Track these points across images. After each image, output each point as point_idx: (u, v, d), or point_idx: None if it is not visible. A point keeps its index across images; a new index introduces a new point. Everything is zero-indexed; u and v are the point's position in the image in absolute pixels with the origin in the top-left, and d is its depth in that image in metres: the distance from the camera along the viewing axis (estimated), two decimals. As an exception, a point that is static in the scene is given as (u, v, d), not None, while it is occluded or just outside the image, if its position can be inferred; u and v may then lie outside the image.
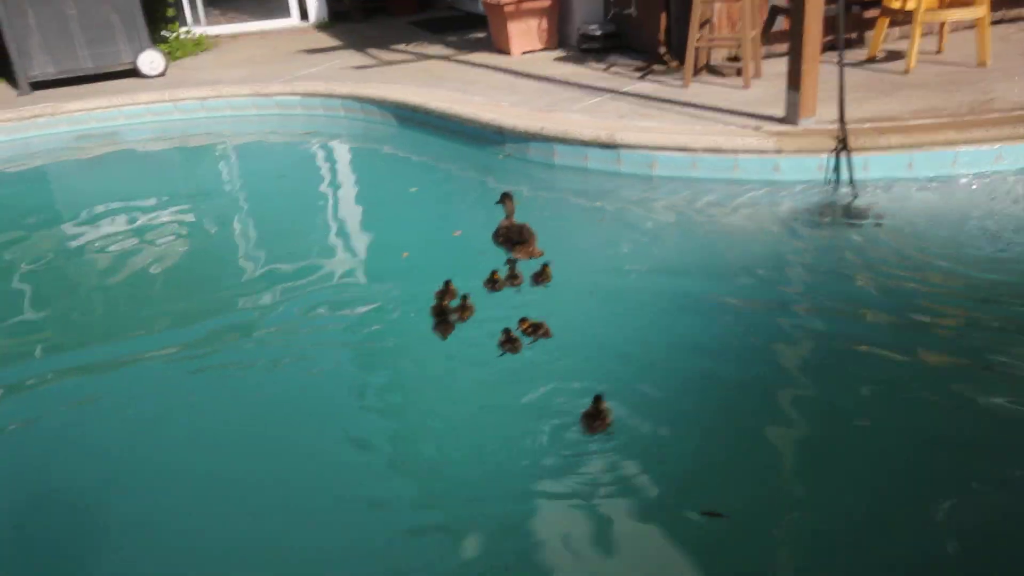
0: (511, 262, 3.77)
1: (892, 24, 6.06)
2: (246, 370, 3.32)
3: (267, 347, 3.46)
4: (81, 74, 7.48)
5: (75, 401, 3.21)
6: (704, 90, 5.69)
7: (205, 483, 2.74)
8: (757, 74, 5.84)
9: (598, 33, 7.03)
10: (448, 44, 8.17)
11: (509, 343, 3.20)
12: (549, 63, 6.95)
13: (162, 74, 7.66)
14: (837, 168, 4.39)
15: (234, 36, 9.81)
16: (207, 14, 9.98)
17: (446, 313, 3.43)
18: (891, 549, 2.26)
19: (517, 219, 4.07)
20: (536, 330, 3.25)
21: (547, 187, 4.97)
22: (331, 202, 5.23)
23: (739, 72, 5.82)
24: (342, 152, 6.43)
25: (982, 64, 5.57)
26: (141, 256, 4.50)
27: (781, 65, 5.55)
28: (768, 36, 6.18)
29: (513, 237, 3.96)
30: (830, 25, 4.86)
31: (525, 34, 7.33)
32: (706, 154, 4.61)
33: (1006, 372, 2.91)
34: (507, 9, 7.16)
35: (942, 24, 5.94)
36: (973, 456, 2.58)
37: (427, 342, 3.34)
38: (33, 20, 7.18)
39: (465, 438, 2.81)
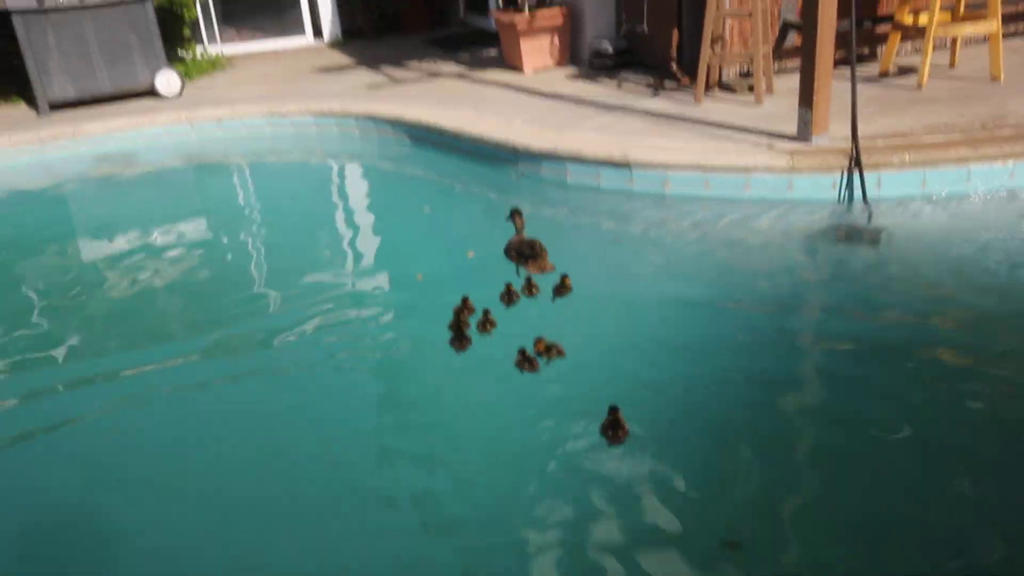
0: (528, 278, 3.84)
1: (904, 39, 6.07)
2: (260, 388, 3.37)
3: (282, 365, 3.50)
4: (99, 95, 7.59)
5: (90, 415, 3.27)
6: (716, 106, 5.72)
7: (216, 498, 2.78)
8: (769, 90, 5.85)
9: (610, 50, 7.07)
10: (460, 62, 8.24)
11: (527, 363, 3.22)
12: (561, 80, 6.99)
13: (179, 94, 7.75)
14: (850, 186, 4.40)
15: (249, 55, 9.92)
16: (222, 33, 10.10)
17: (463, 328, 3.48)
18: (906, 564, 2.26)
19: (527, 235, 4.13)
20: (549, 351, 3.28)
21: (560, 206, 5.00)
22: (346, 221, 5.28)
23: (751, 88, 5.84)
24: (356, 171, 6.49)
25: (995, 78, 5.57)
26: (158, 274, 4.56)
27: (793, 81, 5.56)
28: (780, 52, 6.21)
29: (525, 252, 4.04)
30: (842, 40, 4.87)
31: (537, 52, 7.38)
32: (719, 173, 4.62)
33: None
34: (519, 27, 7.22)
35: (954, 39, 5.95)
36: (991, 474, 2.58)
37: (443, 360, 3.37)
38: (53, 42, 7.29)
39: (480, 455, 2.84)
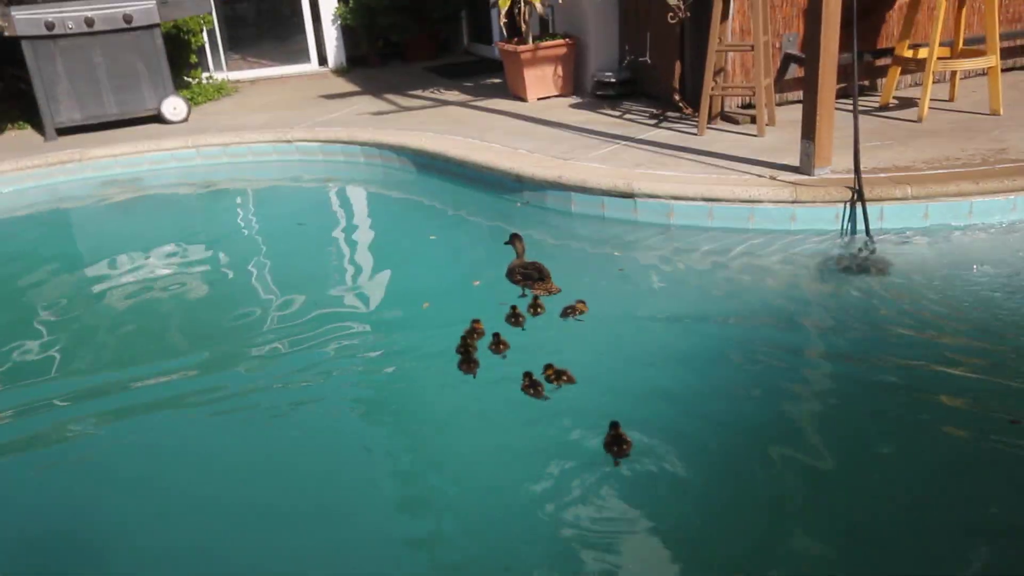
0: (535, 297, 3.95)
1: (904, 72, 6.15)
2: (266, 411, 3.40)
3: (286, 393, 3.53)
4: (106, 120, 7.65)
5: (93, 435, 3.32)
6: (719, 137, 5.78)
7: (215, 519, 2.81)
8: (771, 122, 5.92)
9: (613, 80, 7.15)
10: (464, 90, 8.32)
11: (532, 388, 3.26)
12: (565, 109, 7.06)
13: (185, 119, 7.82)
14: (853, 218, 4.44)
15: (254, 81, 10.02)
16: (228, 59, 10.20)
17: (470, 351, 3.52)
18: None
19: (527, 259, 4.26)
20: (559, 376, 3.32)
21: (565, 235, 5.04)
22: (352, 249, 5.32)
23: (753, 119, 5.91)
24: (362, 199, 6.54)
25: (995, 112, 5.64)
26: (163, 299, 4.60)
27: (794, 112, 5.63)
28: (781, 84, 6.28)
29: (532, 275, 4.13)
30: (843, 73, 4.94)
31: (541, 81, 7.47)
32: (722, 204, 4.67)
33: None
34: (523, 56, 7.30)
35: (954, 73, 6.03)
36: (989, 506, 2.59)
37: (448, 385, 3.42)
38: (62, 68, 7.37)
39: (485, 481, 2.88)
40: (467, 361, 3.48)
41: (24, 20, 7.08)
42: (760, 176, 4.83)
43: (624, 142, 5.85)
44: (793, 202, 4.55)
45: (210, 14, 9.16)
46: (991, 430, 2.93)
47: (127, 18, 7.42)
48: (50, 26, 7.18)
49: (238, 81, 9.93)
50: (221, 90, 9.22)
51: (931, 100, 5.73)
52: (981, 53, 5.66)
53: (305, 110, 7.98)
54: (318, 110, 7.93)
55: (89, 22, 7.29)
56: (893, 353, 3.48)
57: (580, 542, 2.55)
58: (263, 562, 2.63)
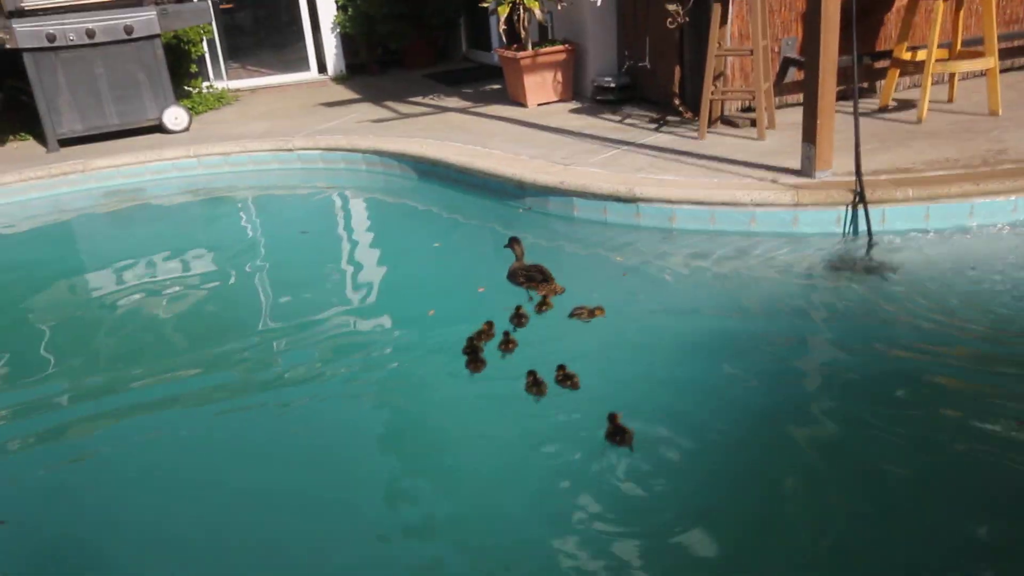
0: (544, 296, 4.07)
1: (902, 74, 6.18)
2: (270, 420, 3.42)
3: (292, 399, 3.56)
4: (107, 131, 7.68)
5: (96, 446, 3.36)
6: (719, 141, 5.80)
7: (223, 531, 2.82)
8: (771, 125, 5.94)
9: (612, 85, 7.17)
10: (464, 96, 8.35)
11: (535, 386, 3.32)
12: (565, 115, 7.09)
13: (186, 129, 7.84)
14: (855, 220, 4.46)
15: (254, 90, 10.05)
16: (228, 68, 10.23)
17: (477, 351, 3.59)
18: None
19: (527, 261, 4.36)
20: (567, 380, 3.36)
21: (568, 240, 5.06)
22: (355, 257, 5.34)
23: (753, 123, 5.93)
24: (364, 206, 6.56)
25: (993, 113, 5.66)
26: (167, 309, 4.62)
27: (794, 115, 5.67)
28: (780, 87, 6.30)
29: (536, 276, 4.21)
30: (842, 75, 4.96)
31: (541, 86, 7.49)
32: (724, 208, 4.69)
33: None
34: (523, 62, 7.33)
35: (952, 74, 6.05)
36: (997, 508, 2.60)
37: (454, 387, 3.47)
38: (63, 79, 7.40)
39: (486, 481, 2.92)
40: (474, 360, 3.55)
41: (26, 32, 7.11)
42: (761, 180, 4.85)
43: (625, 147, 5.87)
44: (795, 205, 4.57)
45: (210, 24, 9.20)
46: (998, 432, 2.94)
47: (128, 29, 7.45)
48: (51, 38, 7.21)
49: (238, 90, 9.96)
50: (221, 99, 9.25)
51: (930, 101, 5.76)
52: (979, 54, 5.69)
53: (305, 118, 8.01)
54: (318, 118, 7.95)
55: (90, 33, 7.32)
56: (898, 355, 3.49)
57: (581, 542, 2.57)
58: (264, 560, 2.66)
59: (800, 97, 5.36)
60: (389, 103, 8.31)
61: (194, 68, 9.25)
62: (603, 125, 6.58)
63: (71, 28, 7.27)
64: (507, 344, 3.65)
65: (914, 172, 4.72)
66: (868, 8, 6.17)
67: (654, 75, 6.88)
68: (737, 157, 5.33)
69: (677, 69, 6.51)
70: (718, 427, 3.09)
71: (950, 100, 6.12)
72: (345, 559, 2.64)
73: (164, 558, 2.71)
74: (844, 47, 4.59)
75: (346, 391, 3.58)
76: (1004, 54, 6.30)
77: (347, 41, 10.37)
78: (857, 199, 4.43)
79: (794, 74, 6.24)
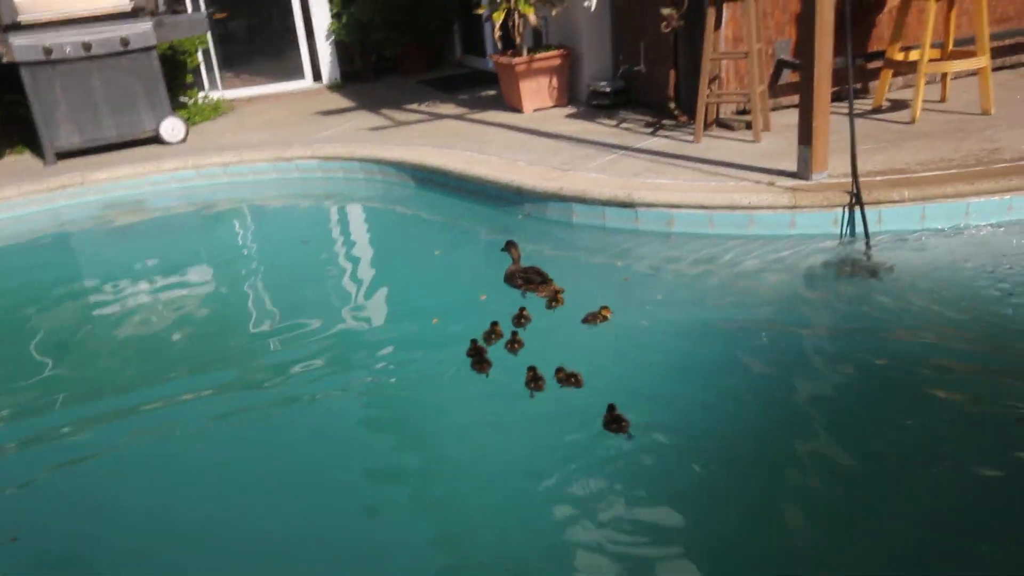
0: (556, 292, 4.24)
1: (895, 74, 6.23)
2: (279, 421, 3.51)
3: (300, 401, 3.66)
4: (105, 143, 7.70)
5: (99, 454, 3.43)
6: (715, 144, 5.84)
7: (225, 534, 2.88)
8: (766, 127, 5.99)
9: (608, 89, 7.22)
10: (460, 103, 8.38)
11: (534, 382, 3.43)
12: (561, 120, 7.13)
13: (183, 140, 7.86)
14: (852, 221, 4.51)
15: (249, 99, 10.07)
16: (223, 78, 10.25)
17: (482, 352, 3.68)
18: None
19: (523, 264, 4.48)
20: (569, 379, 3.44)
21: (568, 246, 5.10)
22: (356, 266, 5.37)
23: (748, 126, 5.97)
24: (364, 215, 6.59)
25: (986, 112, 5.71)
26: (169, 320, 4.68)
27: (788, 117, 5.71)
28: (775, 89, 6.35)
29: (534, 279, 4.33)
30: (835, 77, 5.00)
31: (536, 92, 7.53)
32: (722, 211, 4.73)
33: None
34: (519, 68, 7.37)
35: (945, 73, 6.10)
36: (999, 505, 2.65)
37: (460, 394, 3.55)
38: (60, 92, 7.41)
39: (487, 482, 3.00)
40: (480, 361, 3.64)
41: (22, 46, 7.12)
42: (758, 182, 4.89)
43: (622, 151, 5.91)
44: (792, 207, 4.61)
45: (205, 34, 9.22)
46: (998, 428, 2.99)
47: (124, 41, 7.47)
48: (48, 51, 7.22)
49: (234, 99, 9.97)
50: (217, 109, 9.27)
51: (923, 101, 5.80)
52: (971, 54, 5.74)
53: (302, 127, 8.04)
54: (315, 127, 7.98)
55: (87, 47, 7.34)
56: (897, 353, 3.55)
57: (582, 543, 2.63)
58: (266, 559, 2.73)
59: (794, 99, 5.40)
60: (385, 111, 8.35)
61: (189, 78, 9.27)
62: (599, 130, 6.62)
63: (68, 41, 7.28)
64: (513, 344, 3.76)
65: (909, 172, 4.77)
66: (860, 10, 6.22)
67: (649, 79, 6.93)
68: (734, 160, 5.38)
69: (672, 73, 6.55)
70: (718, 426, 3.15)
71: (943, 99, 6.17)
72: (347, 560, 2.69)
73: (169, 552, 2.80)
74: (837, 49, 4.63)
75: (352, 397, 3.66)
76: (995, 53, 6.34)
77: (342, 49, 10.40)
78: (853, 200, 4.48)
79: (788, 76, 6.29)
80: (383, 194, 6.59)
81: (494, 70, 8.19)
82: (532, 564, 2.61)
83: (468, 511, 2.87)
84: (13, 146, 8.16)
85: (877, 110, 6.13)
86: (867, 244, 4.44)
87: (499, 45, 7.49)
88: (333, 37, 10.28)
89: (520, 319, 3.99)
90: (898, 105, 6.16)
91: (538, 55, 7.38)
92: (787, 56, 6.25)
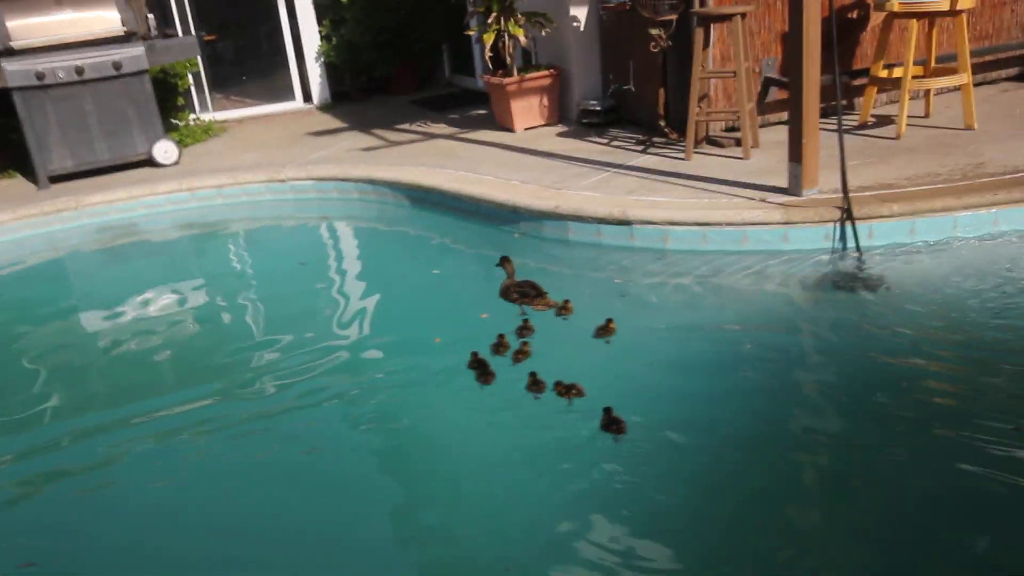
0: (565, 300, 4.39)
1: (880, 91, 6.37)
2: (275, 451, 3.52)
3: (302, 420, 3.72)
4: (98, 166, 7.71)
5: (94, 478, 3.47)
6: (706, 161, 5.94)
7: (221, 557, 2.91)
8: (755, 144, 6.10)
9: (598, 108, 7.32)
10: (451, 122, 8.45)
11: (535, 385, 3.56)
12: (552, 139, 7.21)
13: (176, 162, 7.89)
14: (843, 236, 4.61)
15: (241, 120, 10.10)
16: (214, 100, 10.29)
17: (485, 364, 3.79)
18: None
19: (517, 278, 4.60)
20: (569, 391, 3.52)
21: (565, 263, 5.17)
22: (355, 287, 5.41)
23: (738, 143, 6.08)
24: (360, 235, 6.63)
25: (969, 127, 5.85)
26: (169, 344, 4.70)
27: (777, 134, 5.83)
28: (763, 106, 6.47)
29: (529, 292, 4.45)
30: (823, 94, 5.12)
31: (527, 111, 7.62)
32: (716, 227, 4.82)
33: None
34: (510, 88, 7.46)
35: (928, 90, 6.24)
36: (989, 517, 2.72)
37: (464, 404, 3.65)
38: (53, 116, 7.43)
39: (488, 482, 3.10)
40: (484, 374, 3.73)
41: (15, 71, 7.15)
42: (750, 199, 4.99)
43: (614, 169, 6.00)
44: (785, 223, 4.70)
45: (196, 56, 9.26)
46: (991, 439, 3.06)
47: (116, 65, 7.51)
48: (40, 76, 7.25)
49: (225, 121, 10.01)
50: (209, 131, 9.31)
51: (908, 117, 5.93)
52: (953, 71, 5.88)
53: (295, 148, 8.08)
54: (308, 148, 8.03)
55: (79, 71, 7.37)
56: (892, 365, 3.63)
57: (581, 543, 2.70)
58: (266, 559, 2.80)
59: (782, 116, 5.52)
60: (377, 131, 8.40)
61: (181, 101, 9.30)
62: (591, 148, 6.70)
63: (60, 66, 7.31)
64: (518, 355, 3.88)
65: (898, 187, 4.87)
66: (844, 28, 6.36)
67: (639, 98, 7.03)
68: (725, 177, 5.47)
69: (661, 91, 6.66)
70: (715, 435, 3.25)
71: (926, 115, 6.31)
72: (352, 557, 2.75)
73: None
74: (824, 67, 4.74)
75: (353, 406, 3.77)
76: (976, 68, 6.50)
77: (332, 69, 10.46)
78: (845, 216, 4.58)
79: (775, 93, 6.41)
80: (378, 215, 6.64)
81: (484, 89, 8.28)
82: (532, 564, 2.68)
83: (468, 511, 2.96)
84: (4, 170, 8.16)
85: (863, 126, 6.26)
86: (859, 259, 4.54)
87: (489, 65, 7.58)
88: (323, 59, 10.35)
89: (523, 330, 4.11)
90: (883, 121, 6.29)
91: (528, 75, 7.48)
92: (774, 74, 6.37)
